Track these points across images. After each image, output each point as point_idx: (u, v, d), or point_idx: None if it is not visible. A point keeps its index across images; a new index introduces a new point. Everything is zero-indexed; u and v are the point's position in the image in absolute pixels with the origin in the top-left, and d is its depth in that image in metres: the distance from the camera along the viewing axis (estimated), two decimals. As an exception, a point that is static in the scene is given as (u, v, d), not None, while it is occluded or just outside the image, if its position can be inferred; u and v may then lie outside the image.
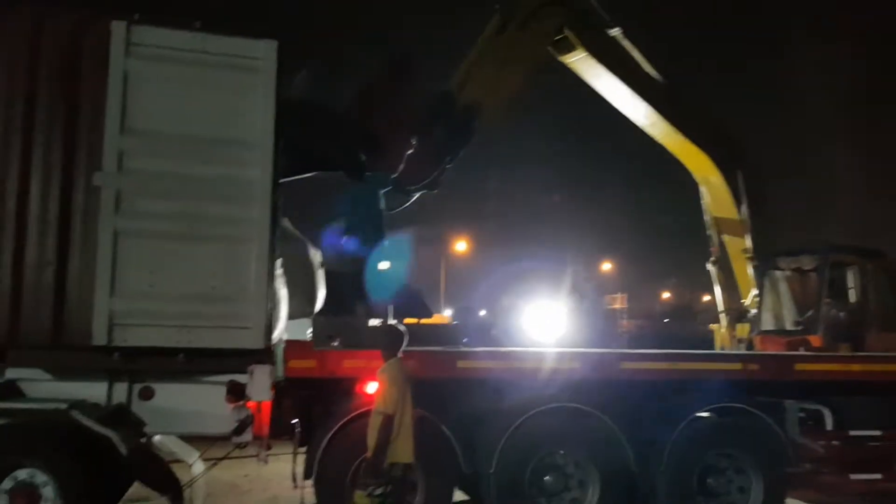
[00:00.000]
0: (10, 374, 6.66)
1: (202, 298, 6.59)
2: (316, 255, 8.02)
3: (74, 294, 6.44)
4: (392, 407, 5.98)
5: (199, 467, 7.80)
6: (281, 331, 7.20)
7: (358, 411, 6.81)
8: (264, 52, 6.79)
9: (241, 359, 6.72)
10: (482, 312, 36.60)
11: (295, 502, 8.93)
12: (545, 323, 18.29)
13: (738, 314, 11.92)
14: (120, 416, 6.77)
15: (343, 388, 6.93)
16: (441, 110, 9.48)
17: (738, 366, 7.73)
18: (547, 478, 7.22)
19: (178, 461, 7.70)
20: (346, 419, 6.81)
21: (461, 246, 33.99)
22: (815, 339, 10.42)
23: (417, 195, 9.24)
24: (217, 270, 6.63)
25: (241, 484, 10.10)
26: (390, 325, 6.81)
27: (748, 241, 11.60)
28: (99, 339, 6.39)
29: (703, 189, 12.24)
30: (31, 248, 6.41)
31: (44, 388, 6.71)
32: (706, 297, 55.12)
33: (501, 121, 10.57)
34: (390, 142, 8.48)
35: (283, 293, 7.13)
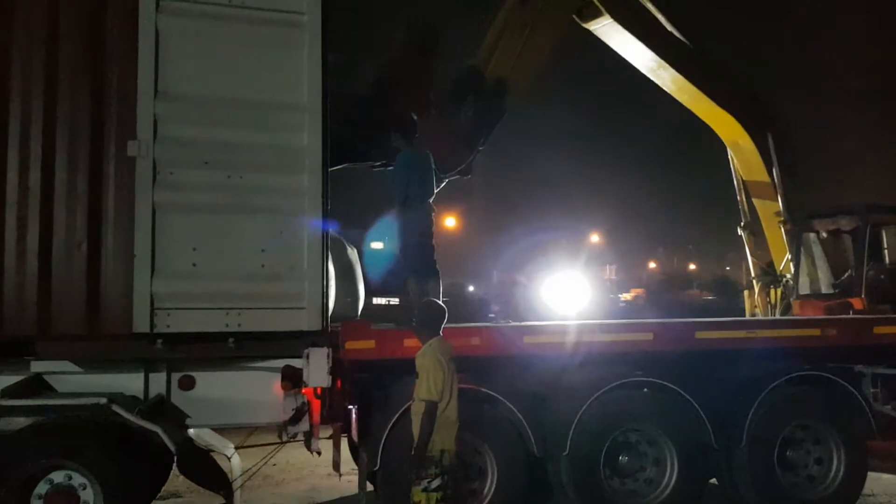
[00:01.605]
0: (36, 367, 5.89)
1: (252, 277, 5.83)
2: (354, 254, 7.35)
3: (110, 277, 5.65)
4: (438, 393, 5.23)
5: (237, 460, 7.14)
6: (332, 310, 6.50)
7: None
8: (308, 5, 5.99)
9: (296, 341, 6.00)
10: (470, 288, 36.21)
11: (337, 493, 8.32)
12: (566, 294, 17.69)
13: (771, 279, 11.45)
14: (159, 409, 6.09)
15: (404, 370, 6.21)
16: (470, 87, 8.79)
17: (816, 331, 7.13)
18: (622, 457, 6.58)
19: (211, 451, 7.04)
20: (410, 403, 6.10)
21: (450, 222, 33.25)
22: (857, 302, 9.94)
23: (446, 182, 8.54)
24: (266, 247, 5.87)
25: (273, 474, 9.34)
26: (430, 301, 6.10)
27: (780, 205, 11.08)
28: (140, 325, 5.62)
29: (731, 153, 11.70)
30: (58, 226, 5.61)
31: (73, 382, 5.95)
32: (692, 266, 55.66)
33: (529, 95, 9.93)
34: (422, 126, 7.76)
35: (332, 270, 6.43)
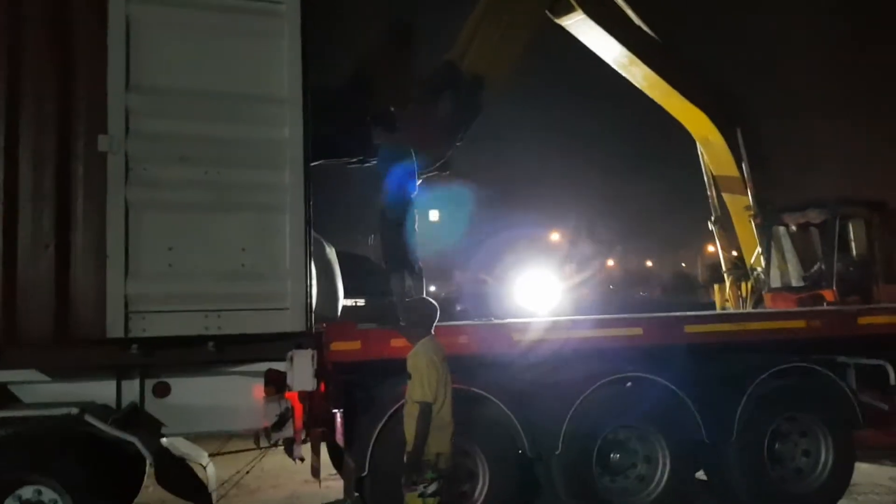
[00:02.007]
0: (1, 377, 5.48)
1: (231, 277, 5.50)
2: (332, 253, 7.06)
3: (81, 279, 5.27)
4: (432, 394, 4.99)
5: (212, 468, 6.81)
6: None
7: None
8: None
9: (278, 344, 5.68)
10: (432, 288, 35.91)
11: (318, 499, 7.97)
12: (535, 293, 17.53)
13: (742, 273, 11.46)
14: (134, 418, 5.73)
15: (391, 371, 5.94)
16: (447, 83, 8.61)
17: (801, 323, 7.05)
18: (614, 455, 6.40)
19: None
20: (398, 405, 5.83)
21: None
22: (829, 294, 10.00)
23: (423, 178, 8.29)
24: (247, 245, 5.54)
25: (247, 482, 8.95)
26: (421, 299, 5.86)
27: (750, 199, 11.09)
28: (114, 330, 5.25)
29: (701, 149, 11.69)
30: (24, 226, 5.22)
31: (40, 392, 5.57)
32: (649, 263, 56.15)
33: (504, 90, 9.77)
34: (399, 121, 7.54)
35: (313, 269, 6.15)
